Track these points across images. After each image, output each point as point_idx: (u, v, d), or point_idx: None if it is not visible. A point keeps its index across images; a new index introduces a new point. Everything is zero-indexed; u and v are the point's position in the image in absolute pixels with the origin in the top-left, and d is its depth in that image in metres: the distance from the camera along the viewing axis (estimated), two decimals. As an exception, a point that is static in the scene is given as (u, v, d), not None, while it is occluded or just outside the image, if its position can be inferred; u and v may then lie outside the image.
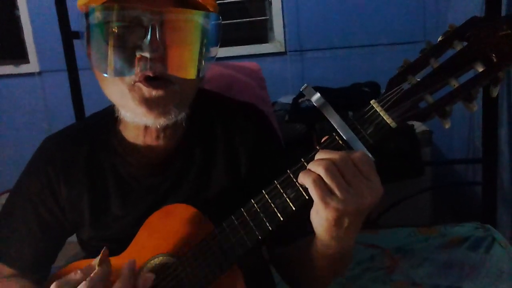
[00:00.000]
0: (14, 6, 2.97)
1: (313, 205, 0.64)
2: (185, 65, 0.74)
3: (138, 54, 0.71)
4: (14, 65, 3.03)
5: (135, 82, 0.74)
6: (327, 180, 0.61)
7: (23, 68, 3.03)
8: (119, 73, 0.72)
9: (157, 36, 0.70)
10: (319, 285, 0.85)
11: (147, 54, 0.70)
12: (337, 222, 0.63)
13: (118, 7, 0.70)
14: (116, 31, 0.71)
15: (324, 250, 0.71)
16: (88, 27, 0.72)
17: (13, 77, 3.04)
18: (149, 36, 0.69)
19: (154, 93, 0.73)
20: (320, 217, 0.64)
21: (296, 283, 0.92)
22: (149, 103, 0.74)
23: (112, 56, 0.71)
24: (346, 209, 0.61)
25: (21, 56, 3.03)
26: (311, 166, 0.63)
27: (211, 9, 0.76)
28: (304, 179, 0.63)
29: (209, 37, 0.75)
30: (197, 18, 0.73)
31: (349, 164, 0.62)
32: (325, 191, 0.61)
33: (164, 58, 0.71)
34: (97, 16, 0.71)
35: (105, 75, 0.73)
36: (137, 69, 0.71)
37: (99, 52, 0.72)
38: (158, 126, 0.78)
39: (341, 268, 0.80)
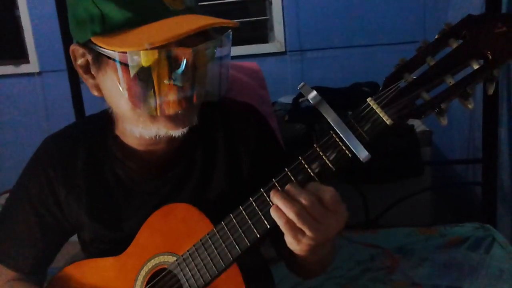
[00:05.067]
0: (14, 6, 2.97)
1: (286, 238, 0.68)
2: (210, 89, 0.77)
3: (169, 82, 0.71)
4: (14, 65, 3.03)
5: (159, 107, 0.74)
6: (298, 224, 0.65)
7: (23, 68, 3.03)
8: (161, 110, 0.73)
9: (189, 67, 0.71)
10: (313, 275, 0.95)
11: (179, 83, 0.71)
12: (310, 250, 0.69)
13: (159, 51, 0.69)
14: (158, 71, 0.70)
15: (304, 260, 0.76)
16: (129, 67, 0.70)
17: (13, 77, 3.04)
18: (183, 67, 0.70)
19: (180, 111, 0.75)
20: (294, 248, 0.70)
21: (294, 270, 0.96)
22: (175, 120, 0.76)
23: (152, 96, 0.72)
24: (316, 242, 0.67)
25: (21, 56, 3.03)
26: (282, 206, 0.66)
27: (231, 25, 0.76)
28: (276, 218, 0.67)
29: (228, 54, 0.77)
30: (220, 43, 0.75)
31: (318, 206, 0.65)
32: (297, 230, 0.66)
33: (192, 86, 0.73)
34: (138, 59, 0.69)
35: (148, 112, 0.74)
36: (166, 98, 0.72)
37: (135, 91, 0.72)
38: (177, 135, 0.79)
39: (327, 262, 0.88)
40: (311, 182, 0.68)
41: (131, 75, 0.71)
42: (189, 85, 0.73)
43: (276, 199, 0.67)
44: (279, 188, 0.69)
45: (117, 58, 0.71)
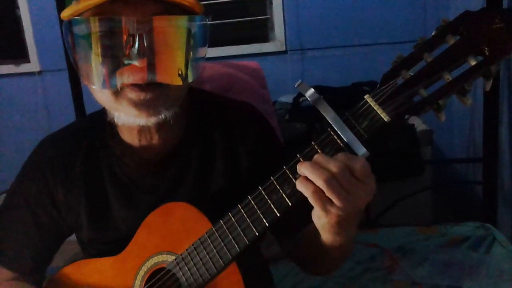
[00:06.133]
0: (14, 6, 2.98)
1: (314, 211, 0.65)
2: (174, 71, 0.74)
3: (126, 62, 0.70)
4: (14, 65, 3.03)
5: (122, 88, 0.73)
6: (327, 193, 0.62)
7: (24, 68, 3.03)
8: (107, 84, 0.72)
9: (145, 44, 0.69)
10: (332, 268, 0.90)
11: (136, 63, 0.69)
12: (338, 223, 0.66)
13: (104, 18, 0.69)
14: (102, 41, 0.70)
15: (329, 244, 0.73)
16: (73, 36, 0.71)
17: (13, 77, 3.04)
18: (137, 45, 0.69)
19: (142, 96, 0.73)
20: (322, 222, 0.67)
21: (309, 267, 0.94)
22: (138, 106, 0.74)
23: (99, 68, 0.71)
24: (345, 213, 0.64)
25: (21, 56, 3.03)
26: (310, 174, 0.63)
27: (197, 11, 0.76)
28: (303, 189, 0.64)
29: (197, 40, 0.75)
30: (185, 23, 0.73)
31: (348, 175, 0.63)
32: (325, 200, 0.63)
33: (153, 65, 0.71)
34: (82, 27, 0.70)
35: (93, 86, 0.73)
36: (125, 78, 0.71)
37: (85, 63, 0.72)
38: (150, 125, 0.78)
39: (348, 251, 0.83)
40: (340, 152, 0.65)
41: (79, 46, 0.70)
42: (142, 63, 0.70)
43: (303, 168, 0.63)
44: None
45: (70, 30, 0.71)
